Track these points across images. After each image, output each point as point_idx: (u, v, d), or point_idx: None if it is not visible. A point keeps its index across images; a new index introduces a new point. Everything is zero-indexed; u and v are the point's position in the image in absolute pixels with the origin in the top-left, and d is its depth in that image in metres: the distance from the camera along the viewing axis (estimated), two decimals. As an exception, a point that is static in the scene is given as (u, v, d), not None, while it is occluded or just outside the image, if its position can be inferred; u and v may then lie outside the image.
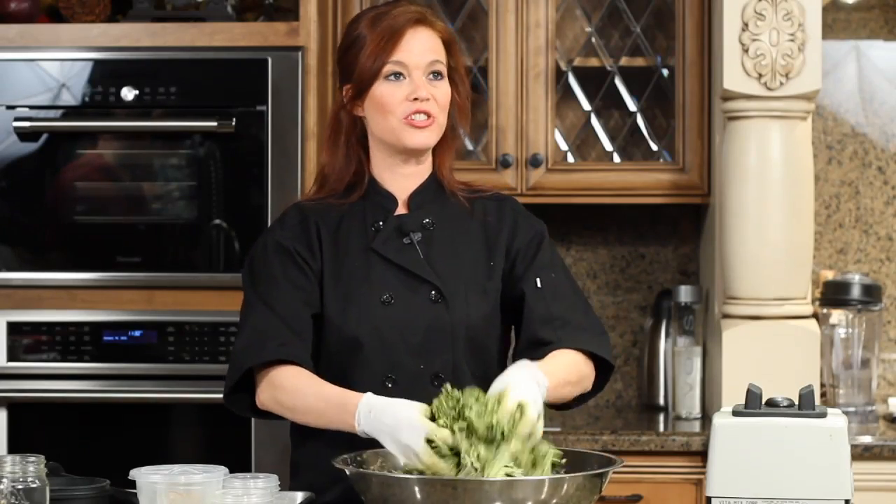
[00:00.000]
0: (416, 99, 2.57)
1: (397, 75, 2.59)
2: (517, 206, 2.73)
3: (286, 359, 2.53)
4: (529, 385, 2.32)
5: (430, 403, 2.35)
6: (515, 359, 2.63)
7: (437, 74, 2.61)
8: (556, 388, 2.48)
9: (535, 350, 2.56)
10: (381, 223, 2.64)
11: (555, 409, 2.63)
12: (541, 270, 2.64)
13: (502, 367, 2.69)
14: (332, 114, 2.70)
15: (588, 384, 2.60)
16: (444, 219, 2.66)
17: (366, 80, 2.61)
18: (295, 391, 2.51)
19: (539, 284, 2.62)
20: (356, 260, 2.61)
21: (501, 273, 2.65)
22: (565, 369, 2.54)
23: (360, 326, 2.57)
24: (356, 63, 2.62)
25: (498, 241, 2.66)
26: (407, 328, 2.58)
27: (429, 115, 2.58)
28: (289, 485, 2.67)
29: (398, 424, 2.29)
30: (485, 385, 2.44)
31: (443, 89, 2.61)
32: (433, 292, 2.59)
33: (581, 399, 2.63)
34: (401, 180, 2.66)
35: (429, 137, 2.61)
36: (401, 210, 2.66)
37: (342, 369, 2.57)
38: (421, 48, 2.59)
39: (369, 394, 2.40)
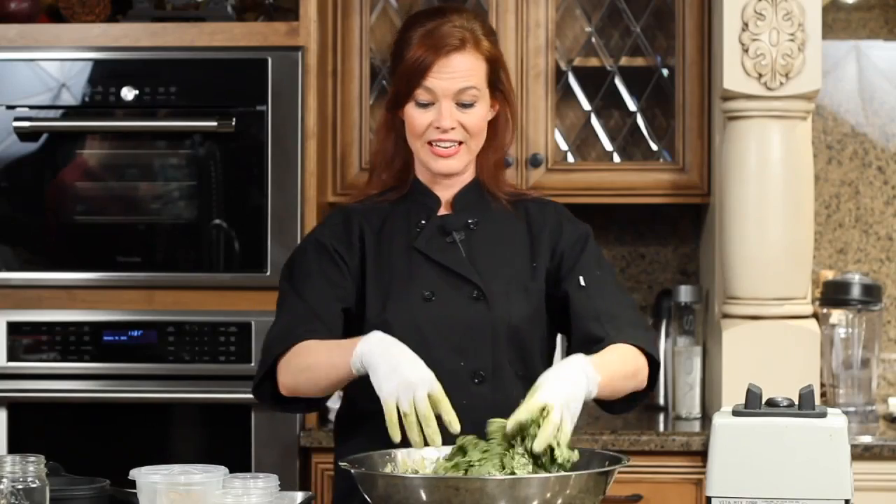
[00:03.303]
0: (438, 128, 2.60)
1: (426, 102, 2.61)
2: (561, 208, 2.76)
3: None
4: (563, 386, 2.32)
5: (469, 400, 2.48)
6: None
7: (467, 104, 2.61)
8: (611, 382, 2.47)
9: (588, 347, 2.55)
10: (423, 222, 2.67)
11: (608, 411, 2.65)
12: (584, 270, 2.66)
13: (547, 368, 2.70)
14: (385, 105, 2.72)
15: (643, 378, 2.59)
16: (487, 220, 2.68)
17: (399, 100, 2.64)
18: (309, 350, 2.53)
19: (583, 283, 2.64)
20: (399, 258, 2.64)
21: (545, 274, 2.67)
22: (621, 360, 2.53)
23: (400, 322, 2.59)
24: (395, 74, 2.65)
25: (541, 242, 2.68)
26: (447, 325, 2.60)
27: (453, 142, 2.61)
28: (332, 480, 2.69)
29: (410, 361, 2.31)
30: (528, 385, 2.44)
31: (473, 115, 2.62)
32: (475, 291, 2.61)
33: (634, 399, 2.62)
34: (442, 188, 2.70)
35: (453, 165, 2.64)
36: (444, 210, 2.69)
37: None
38: (452, 75, 2.60)
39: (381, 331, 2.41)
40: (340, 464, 2.28)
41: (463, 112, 2.61)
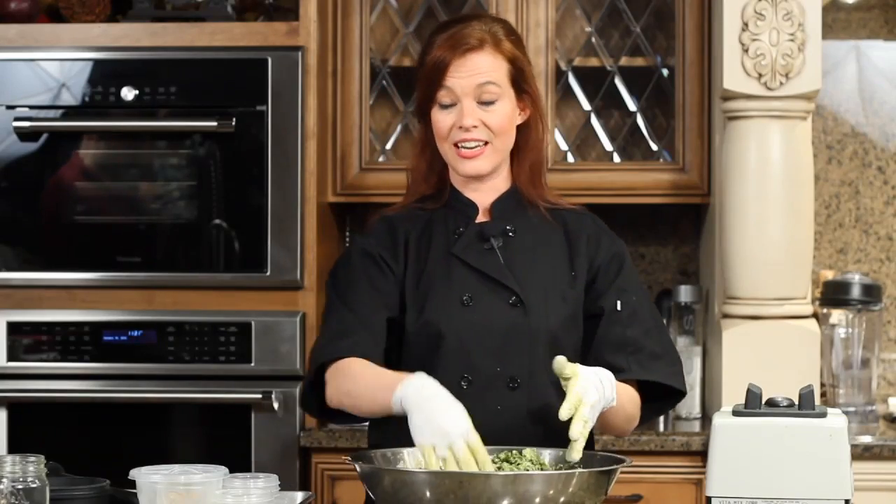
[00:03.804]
0: (461, 127, 2.60)
1: (448, 103, 2.62)
2: (599, 221, 2.76)
3: (356, 356, 2.56)
4: (595, 389, 2.39)
5: (504, 405, 2.53)
6: None
7: (488, 101, 2.61)
8: (618, 411, 2.53)
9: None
10: (461, 229, 2.67)
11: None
12: (622, 292, 2.67)
13: None
14: (413, 113, 2.73)
15: (632, 427, 2.64)
16: (525, 227, 2.69)
17: (424, 105, 2.65)
18: (354, 375, 2.53)
19: (619, 307, 2.65)
20: (438, 264, 2.64)
21: (584, 284, 2.68)
22: (630, 402, 2.59)
23: (438, 326, 2.60)
24: (418, 80, 2.66)
25: (579, 251, 2.68)
26: (485, 330, 2.60)
27: (478, 142, 2.61)
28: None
29: (445, 409, 2.29)
30: (562, 392, 2.43)
31: (496, 113, 2.61)
32: (512, 297, 2.62)
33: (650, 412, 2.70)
34: (479, 194, 2.70)
35: (480, 165, 2.63)
36: (482, 218, 2.69)
37: (421, 369, 2.55)
38: (470, 73, 2.60)
39: (425, 374, 2.41)
40: (344, 458, 2.28)
41: (485, 110, 2.61)
